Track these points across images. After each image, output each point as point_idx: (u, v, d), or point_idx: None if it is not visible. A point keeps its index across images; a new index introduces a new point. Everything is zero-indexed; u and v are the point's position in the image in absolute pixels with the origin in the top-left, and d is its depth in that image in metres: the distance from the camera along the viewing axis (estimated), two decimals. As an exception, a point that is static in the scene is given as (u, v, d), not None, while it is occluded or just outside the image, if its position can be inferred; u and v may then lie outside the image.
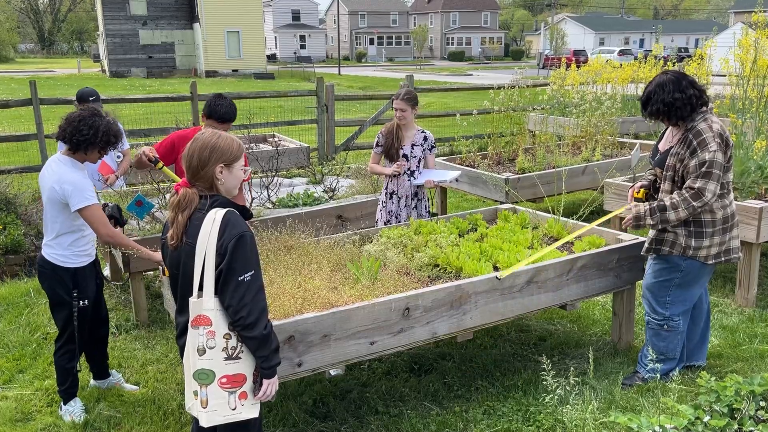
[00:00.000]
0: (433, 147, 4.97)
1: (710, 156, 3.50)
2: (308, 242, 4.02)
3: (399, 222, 4.93)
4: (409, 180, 4.91)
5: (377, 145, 5.01)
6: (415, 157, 4.91)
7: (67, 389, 3.74)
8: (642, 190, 3.94)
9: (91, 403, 3.85)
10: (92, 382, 4.06)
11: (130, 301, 5.17)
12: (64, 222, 3.52)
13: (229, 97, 4.41)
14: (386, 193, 5.02)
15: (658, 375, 3.69)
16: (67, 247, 3.56)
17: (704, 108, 3.64)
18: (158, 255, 3.52)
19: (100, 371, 4.03)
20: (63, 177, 3.43)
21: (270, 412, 3.64)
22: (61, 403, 3.77)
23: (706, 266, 3.72)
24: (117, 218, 3.84)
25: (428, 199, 5.09)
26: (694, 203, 3.54)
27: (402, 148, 4.90)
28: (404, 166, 4.85)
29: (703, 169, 3.52)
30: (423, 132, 4.96)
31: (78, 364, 3.74)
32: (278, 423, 3.58)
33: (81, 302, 3.63)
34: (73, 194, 3.41)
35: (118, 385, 4.04)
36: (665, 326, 3.82)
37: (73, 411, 3.71)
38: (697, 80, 3.73)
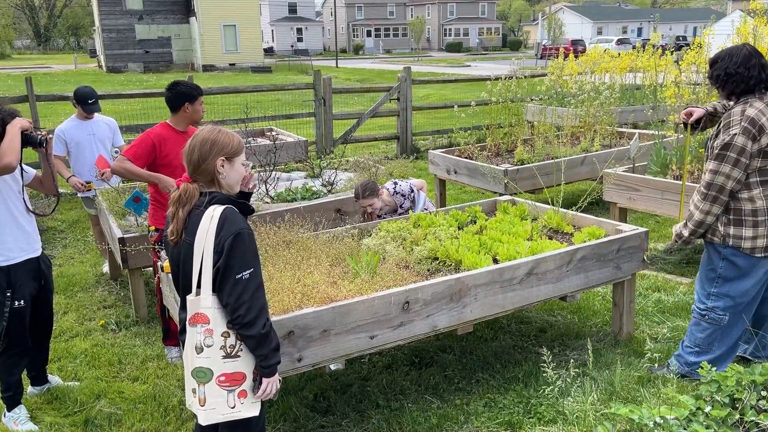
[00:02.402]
0: (411, 192, 4.85)
1: (729, 139, 3.41)
2: (307, 237, 4.01)
3: None
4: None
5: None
6: (407, 208, 4.83)
7: (12, 396, 3.60)
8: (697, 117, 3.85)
9: (92, 400, 3.85)
10: (30, 389, 3.91)
11: (130, 297, 5.16)
12: None
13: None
14: None
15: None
16: None
17: (758, 94, 3.49)
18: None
19: (38, 377, 3.91)
20: None
21: (271, 408, 3.64)
22: (5, 411, 3.60)
23: (753, 259, 3.53)
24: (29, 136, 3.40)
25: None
26: (704, 190, 3.49)
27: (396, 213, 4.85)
28: None
29: (717, 151, 3.45)
30: (395, 193, 4.81)
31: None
32: (279, 418, 3.58)
33: (16, 302, 3.44)
34: None
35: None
36: (706, 317, 3.72)
37: (18, 418, 3.58)
38: None
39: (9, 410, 3.61)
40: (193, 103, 4.19)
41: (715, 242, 3.61)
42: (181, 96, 4.16)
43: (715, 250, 3.64)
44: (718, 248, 3.61)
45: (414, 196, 4.89)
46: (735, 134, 3.41)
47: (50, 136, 3.52)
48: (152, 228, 4.36)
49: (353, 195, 4.71)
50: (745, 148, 3.40)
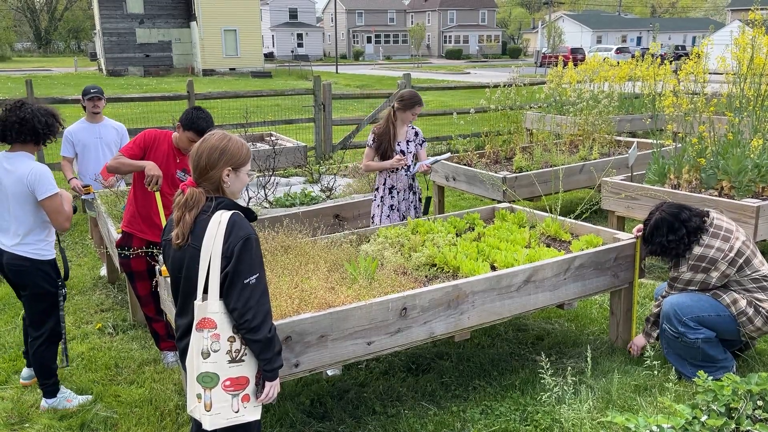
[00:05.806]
0: (423, 141, 5.18)
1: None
2: (305, 242, 4.01)
3: (399, 214, 5.10)
4: (405, 174, 5.07)
5: (371, 144, 5.10)
6: (410, 152, 5.09)
7: (56, 381, 3.81)
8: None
9: (88, 404, 3.84)
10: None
11: (127, 301, 5.16)
12: (36, 215, 3.61)
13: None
14: (385, 189, 5.12)
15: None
16: (43, 239, 3.69)
17: (699, 235, 3.78)
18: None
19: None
20: (33, 168, 3.52)
21: (267, 413, 3.63)
22: (45, 399, 3.77)
23: (738, 331, 3.80)
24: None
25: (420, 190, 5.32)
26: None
27: (398, 144, 5.04)
28: (404, 161, 4.97)
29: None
30: (413, 128, 5.16)
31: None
32: (275, 423, 3.57)
33: (64, 290, 3.77)
34: (39, 183, 3.50)
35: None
36: (680, 340, 3.82)
37: (69, 395, 3.81)
38: (692, 213, 3.83)
39: (53, 396, 3.78)
40: (183, 131, 4.04)
41: (731, 311, 3.78)
42: (182, 116, 4.07)
43: (720, 307, 3.80)
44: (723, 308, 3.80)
45: (421, 154, 5.15)
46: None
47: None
48: (119, 230, 4.44)
49: (411, 99, 4.96)
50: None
